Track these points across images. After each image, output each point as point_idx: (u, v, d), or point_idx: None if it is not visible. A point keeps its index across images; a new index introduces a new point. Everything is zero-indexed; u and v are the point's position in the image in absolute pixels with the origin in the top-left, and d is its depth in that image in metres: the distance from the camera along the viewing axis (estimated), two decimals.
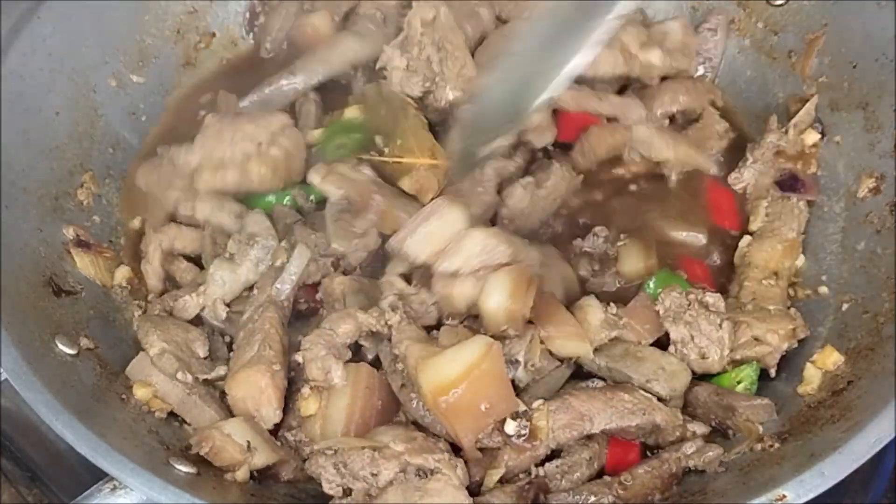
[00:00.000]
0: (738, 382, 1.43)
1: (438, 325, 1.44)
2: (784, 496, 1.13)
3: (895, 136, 1.55)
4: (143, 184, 1.68)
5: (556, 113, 1.72)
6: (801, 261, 1.60)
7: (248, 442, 1.32)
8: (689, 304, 1.43)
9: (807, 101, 1.68)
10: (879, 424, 1.17)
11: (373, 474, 1.26)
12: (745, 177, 1.67)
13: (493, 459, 1.32)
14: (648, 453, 1.38)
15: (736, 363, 1.45)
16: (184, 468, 1.28)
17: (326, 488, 1.29)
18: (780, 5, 1.78)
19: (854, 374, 1.37)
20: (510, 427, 1.28)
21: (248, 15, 1.93)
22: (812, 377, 1.41)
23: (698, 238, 1.63)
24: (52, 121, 1.61)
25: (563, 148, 1.73)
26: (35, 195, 1.54)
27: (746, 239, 1.61)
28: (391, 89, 1.66)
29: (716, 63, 1.85)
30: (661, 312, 1.45)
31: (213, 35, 1.91)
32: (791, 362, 1.47)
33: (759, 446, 1.32)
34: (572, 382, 1.42)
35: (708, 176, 1.71)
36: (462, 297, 1.40)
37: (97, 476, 1.23)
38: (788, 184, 1.64)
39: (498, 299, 1.36)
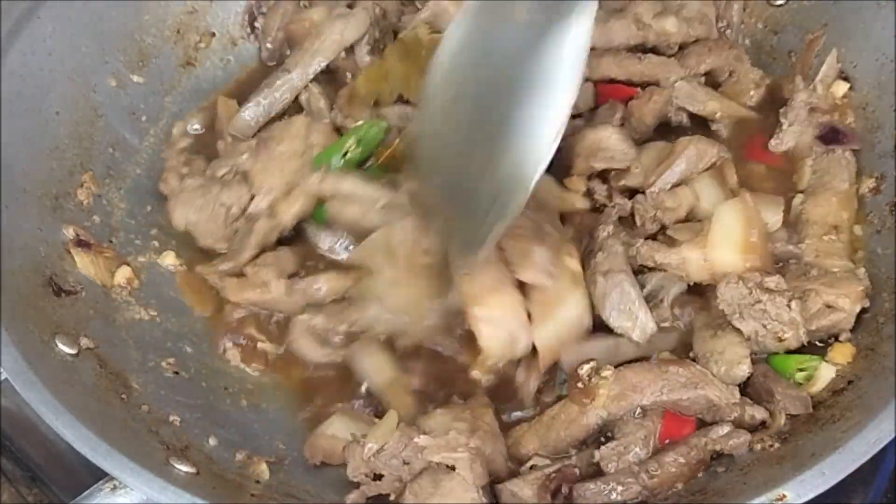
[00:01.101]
0: (801, 370, 1.41)
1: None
2: (784, 496, 1.13)
3: (895, 136, 1.55)
4: (182, 223, 1.65)
5: (595, 87, 1.71)
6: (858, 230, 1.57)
7: (353, 434, 1.37)
8: (750, 293, 1.39)
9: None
10: (879, 424, 1.17)
11: (405, 463, 1.31)
12: (786, 140, 1.65)
13: (546, 430, 1.36)
14: None
15: (812, 333, 1.42)
16: (184, 468, 1.28)
17: (350, 473, 1.33)
18: (780, 5, 1.78)
19: (854, 374, 1.37)
20: (584, 368, 1.33)
21: (247, 17, 1.93)
22: (823, 376, 1.39)
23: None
24: (52, 121, 1.61)
25: None
26: (35, 195, 1.54)
27: (799, 197, 1.60)
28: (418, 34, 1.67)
29: (735, 27, 1.83)
30: (725, 310, 1.41)
31: (213, 35, 1.90)
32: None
33: (759, 446, 1.32)
34: None
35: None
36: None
37: (97, 476, 1.24)
38: (830, 137, 1.62)
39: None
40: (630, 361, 1.40)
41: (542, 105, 1.26)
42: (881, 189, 1.56)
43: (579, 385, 1.34)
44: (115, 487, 1.22)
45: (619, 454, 1.33)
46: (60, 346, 1.37)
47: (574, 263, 1.46)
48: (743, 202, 1.46)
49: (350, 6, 1.85)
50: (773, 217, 1.53)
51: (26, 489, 1.57)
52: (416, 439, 1.31)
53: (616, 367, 1.36)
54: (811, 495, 1.13)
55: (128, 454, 1.20)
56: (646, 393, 1.34)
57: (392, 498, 1.34)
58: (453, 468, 1.28)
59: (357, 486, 1.34)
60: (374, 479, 1.34)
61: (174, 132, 1.80)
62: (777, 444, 1.31)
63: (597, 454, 1.34)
